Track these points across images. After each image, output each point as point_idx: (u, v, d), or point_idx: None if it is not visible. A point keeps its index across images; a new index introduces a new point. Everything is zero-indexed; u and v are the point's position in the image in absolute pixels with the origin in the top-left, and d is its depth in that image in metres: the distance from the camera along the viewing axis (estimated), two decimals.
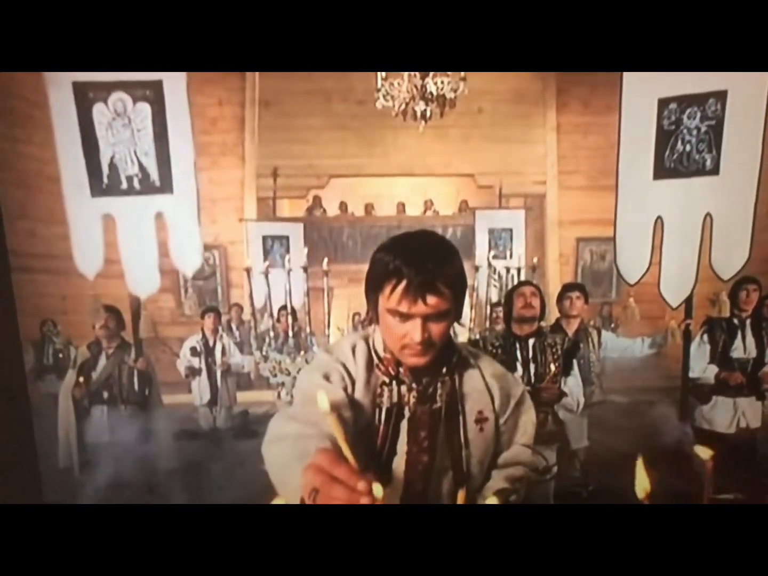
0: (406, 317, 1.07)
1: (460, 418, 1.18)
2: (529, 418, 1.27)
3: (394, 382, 1.16)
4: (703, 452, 0.65)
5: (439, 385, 1.17)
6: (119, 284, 3.37)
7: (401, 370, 1.16)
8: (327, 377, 1.11)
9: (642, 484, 0.60)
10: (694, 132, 3.23)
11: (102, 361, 3.58)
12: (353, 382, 1.14)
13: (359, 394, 1.14)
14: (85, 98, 3.16)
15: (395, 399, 1.15)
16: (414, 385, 1.16)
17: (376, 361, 1.18)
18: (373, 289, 1.11)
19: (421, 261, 1.04)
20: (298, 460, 0.84)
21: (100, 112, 3.20)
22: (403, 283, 1.04)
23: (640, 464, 0.61)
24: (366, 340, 1.20)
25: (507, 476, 1.23)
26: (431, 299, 1.04)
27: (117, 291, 3.44)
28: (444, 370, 1.18)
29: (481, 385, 1.22)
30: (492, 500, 0.67)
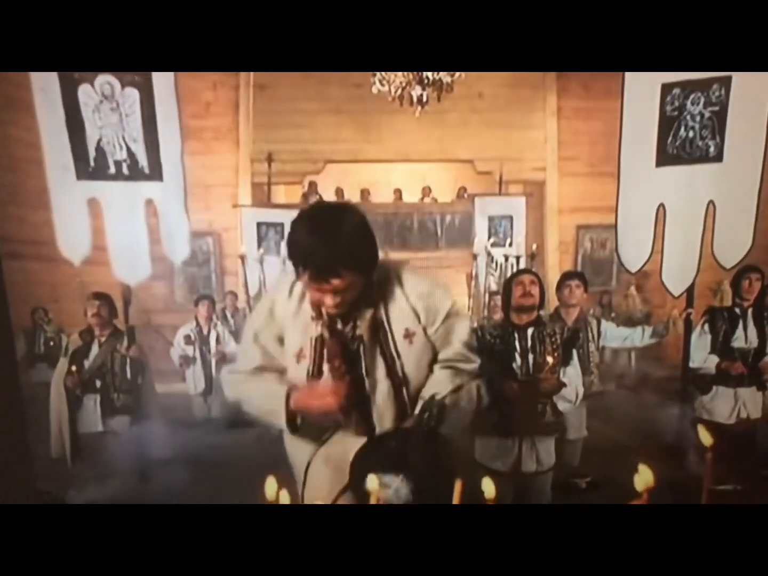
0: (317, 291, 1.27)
1: (389, 336, 1.39)
2: (463, 326, 1.47)
3: (320, 319, 1.36)
4: (705, 437, 0.67)
5: (358, 316, 1.36)
6: (110, 271, 3.31)
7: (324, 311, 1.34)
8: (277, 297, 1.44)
9: (644, 479, 0.62)
10: (698, 118, 3.18)
11: (94, 350, 3.51)
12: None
13: (291, 323, 1.41)
14: (70, 78, 3.08)
15: (319, 331, 1.37)
16: (339, 321, 1.37)
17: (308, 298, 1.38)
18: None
19: (313, 251, 1.18)
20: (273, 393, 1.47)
21: (85, 94, 3.13)
22: (307, 273, 1.22)
23: (642, 465, 0.63)
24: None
25: (449, 371, 1.45)
26: (334, 281, 1.21)
27: (109, 278, 3.37)
28: (364, 306, 1.36)
29: (404, 305, 1.40)
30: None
